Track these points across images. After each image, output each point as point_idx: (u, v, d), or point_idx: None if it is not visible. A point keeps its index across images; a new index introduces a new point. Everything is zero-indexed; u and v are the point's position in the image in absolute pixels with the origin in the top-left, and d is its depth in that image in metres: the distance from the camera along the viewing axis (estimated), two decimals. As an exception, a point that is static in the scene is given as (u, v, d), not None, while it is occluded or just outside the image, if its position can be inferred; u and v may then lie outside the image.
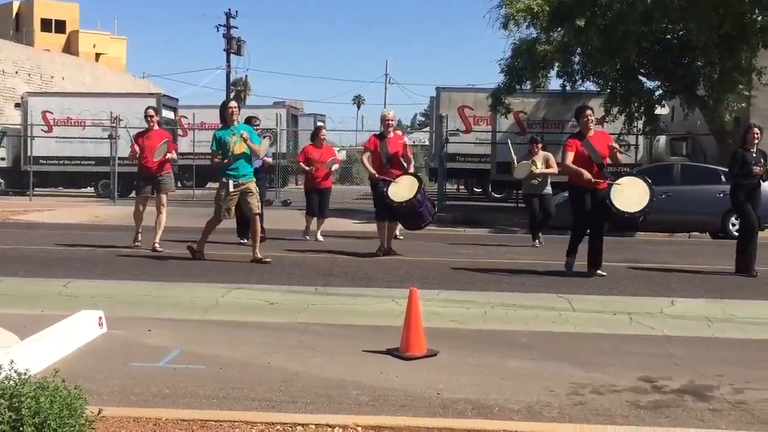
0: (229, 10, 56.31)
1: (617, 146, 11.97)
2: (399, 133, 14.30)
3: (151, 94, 36.62)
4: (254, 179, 12.63)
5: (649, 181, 11.58)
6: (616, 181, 11.54)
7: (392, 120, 13.88)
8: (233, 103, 12.89)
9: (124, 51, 78.54)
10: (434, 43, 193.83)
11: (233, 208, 12.51)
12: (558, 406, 5.77)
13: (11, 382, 3.91)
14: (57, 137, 32.62)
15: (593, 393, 6.11)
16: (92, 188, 33.37)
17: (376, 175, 13.19)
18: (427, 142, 42.48)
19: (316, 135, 16.83)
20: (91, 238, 16.73)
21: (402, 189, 12.79)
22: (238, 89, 68.32)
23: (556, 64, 24.19)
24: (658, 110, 26.92)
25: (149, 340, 7.54)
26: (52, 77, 49.42)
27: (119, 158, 29.66)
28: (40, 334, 6.84)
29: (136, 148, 14.07)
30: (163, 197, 14.22)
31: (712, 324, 8.75)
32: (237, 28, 57.25)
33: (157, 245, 13.76)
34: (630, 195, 11.20)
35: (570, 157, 11.53)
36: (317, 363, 6.84)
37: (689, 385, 6.35)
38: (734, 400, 5.97)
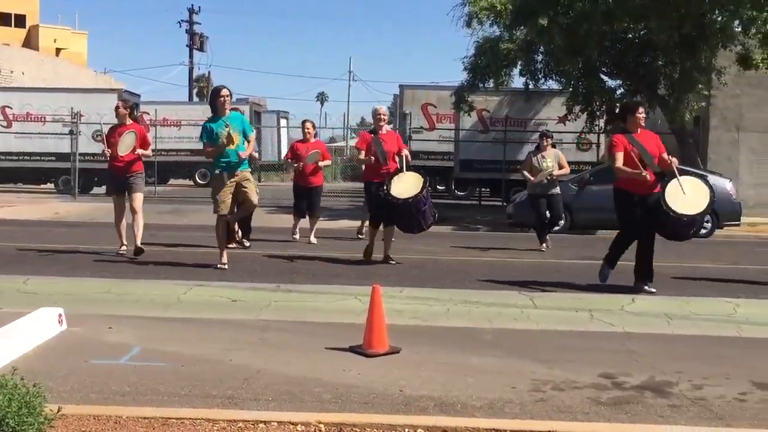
0: (192, 5, 56.18)
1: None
2: (390, 127, 13.45)
3: (112, 90, 36.43)
4: (249, 169, 11.72)
5: (708, 181, 10.74)
6: (672, 181, 10.30)
7: (384, 115, 12.98)
8: (225, 91, 11.45)
9: (85, 46, 77.76)
10: (398, 40, 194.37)
11: (229, 201, 11.35)
12: (520, 403, 5.79)
13: (-32, 380, 3.87)
14: (16, 133, 32.33)
15: (554, 390, 6.13)
16: (52, 184, 33.06)
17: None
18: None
19: (303, 128, 15.95)
20: (51, 234, 16.58)
21: (405, 186, 11.84)
22: (200, 85, 67.92)
23: (519, 62, 24.31)
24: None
25: (110, 337, 7.47)
26: (12, 72, 48.77)
27: (80, 154, 29.49)
28: (-1, 332, 6.76)
29: (107, 151, 12.82)
30: (136, 199, 12.81)
31: (671, 321, 8.83)
32: (200, 23, 57.23)
33: (141, 247, 12.69)
34: (688, 197, 10.13)
35: (620, 158, 10.29)
36: (279, 360, 6.81)
37: (649, 381, 6.40)
38: (693, 396, 6.03)
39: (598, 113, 25.23)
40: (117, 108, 13.11)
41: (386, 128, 12.89)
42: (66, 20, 76.18)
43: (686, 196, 10.08)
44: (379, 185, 12.09)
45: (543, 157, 14.91)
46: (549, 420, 5.36)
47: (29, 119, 32.60)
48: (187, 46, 56.27)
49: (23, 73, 49.38)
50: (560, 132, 28.08)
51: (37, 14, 72.99)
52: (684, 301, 9.89)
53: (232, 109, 11.74)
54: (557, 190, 15.21)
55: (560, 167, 14.96)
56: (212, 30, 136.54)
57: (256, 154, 12.94)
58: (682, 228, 10.39)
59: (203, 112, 39.12)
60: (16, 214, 22.36)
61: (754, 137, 26.05)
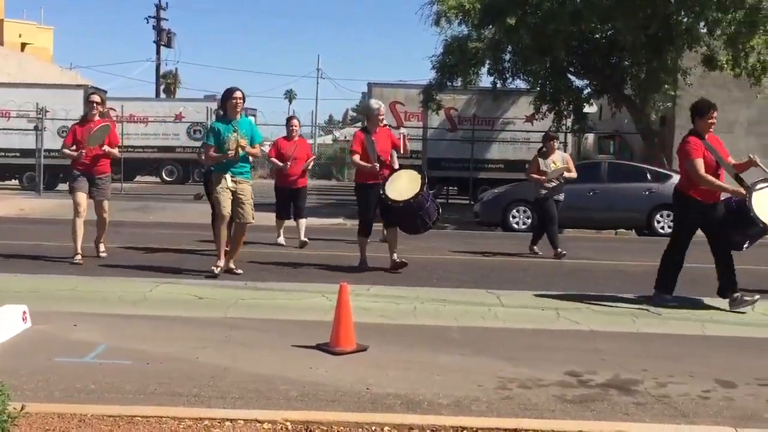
0: (159, 1, 55.72)
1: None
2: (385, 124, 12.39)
3: (78, 86, 36.01)
4: (250, 181, 10.89)
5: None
6: (757, 186, 9.56)
7: (383, 116, 12.03)
8: (239, 93, 10.55)
9: (51, 41, 76.95)
10: (366, 38, 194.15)
11: (229, 205, 10.50)
12: (486, 401, 5.81)
13: (-70, 378, 3.83)
14: (-20, 129, 31.95)
15: (521, 387, 6.16)
16: (17, 181, 32.74)
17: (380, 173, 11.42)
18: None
19: (287, 125, 14.87)
20: (16, 231, 16.42)
21: (402, 185, 11.20)
22: (168, 82, 67.45)
23: (487, 61, 24.39)
24: (587, 109, 27.35)
25: (75, 335, 7.41)
26: (-24, 67, 48.30)
27: (45, 150, 29.24)
28: (-38, 330, 6.68)
29: (69, 152, 11.73)
30: (104, 207, 11.98)
31: (637, 319, 8.90)
32: (167, 20, 56.70)
33: (102, 252, 12.10)
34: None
35: (701, 165, 9.35)
36: (246, 358, 6.79)
37: (614, 379, 6.44)
38: (658, 394, 6.08)
39: (565, 113, 25.38)
40: (94, 102, 11.86)
41: (380, 127, 11.97)
42: (32, 15, 75.62)
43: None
44: (373, 187, 11.42)
45: (552, 161, 13.94)
46: (515, 418, 5.37)
47: (-6, 115, 32.27)
48: (154, 42, 55.85)
49: (-13, 69, 48.83)
50: (528, 131, 28.26)
51: (2, 9, 72.10)
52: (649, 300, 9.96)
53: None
54: (562, 196, 14.29)
55: (568, 171, 14.18)
56: (180, 26, 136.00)
57: (257, 151, 11.44)
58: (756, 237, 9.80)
59: (170, 108, 39.25)
60: (-20, 210, 22.11)
61: (719, 136, 26.25)
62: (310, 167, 15.12)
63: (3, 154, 32.17)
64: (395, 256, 11.59)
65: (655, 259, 12.61)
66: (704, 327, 8.63)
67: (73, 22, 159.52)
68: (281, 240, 14.49)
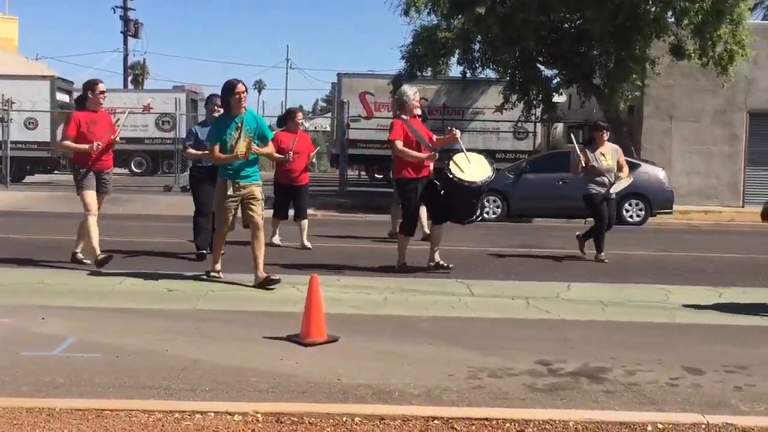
0: (127, -9, 55.32)
1: None
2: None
3: (44, 77, 35.62)
4: (260, 182, 9.72)
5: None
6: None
7: (418, 101, 11.34)
8: (242, 86, 9.44)
9: (16, 31, 76.01)
10: (335, 28, 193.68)
11: (231, 217, 9.58)
12: (457, 390, 5.83)
13: None
14: (-56, 121, 31.56)
15: (491, 377, 6.18)
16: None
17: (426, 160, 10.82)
18: (328, 128, 42.50)
19: (288, 118, 13.23)
20: (-18, 224, 16.24)
21: (469, 168, 10.41)
22: (135, 73, 66.96)
23: (457, 51, 24.38)
24: (556, 98, 27.44)
25: (42, 328, 7.35)
26: (-61, 58, 47.74)
27: (12, 142, 28.99)
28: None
29: (78, 146, 10.36)
30: (102, 199, 10.88)
31: (606, 308, 8.96)
32: (134, 9, 56.33)
33: (80, 255, 10.85)
34: None
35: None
36: (216, 350, 6.77)
37: (584, 367, 6.48)
38: (626, 382, 6.12)
39: (534, 102, 25.46)
40: (99, 90, 10.52)
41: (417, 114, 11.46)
42: (-5, 5, 74.67)
43: None
44: (419, 181, 10.69)
45: (601, 153, 12.38)
46: (486, 407, 5.40)
47: (-43, 107, 31.87)
48: (121, 32, 55.46)
49: (-50, 59, 48.28)
50: (497, 121, 28.33)
51: (-35, -2, 71.42)
52: (618, 288, 10.05)
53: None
54: (614, 194, 12.71)
55: (620, 167, 12.54)
56: (147, 16, 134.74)
57: (271, 149, 10.35)
58: None
59: (138, 99, 39.02)
60: (-55, 203, 21.88)
61: (687, 126, 26.48)
62: (313, 161, 14.16)
63: (-33, 146, 31.80)
64: (437, 255, 10.94)
65: (623, 248, 12.74)
66: (672, 315, 8.70)
67: (39, 12, 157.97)
68: (277, 239, 13.25)
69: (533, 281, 10.47)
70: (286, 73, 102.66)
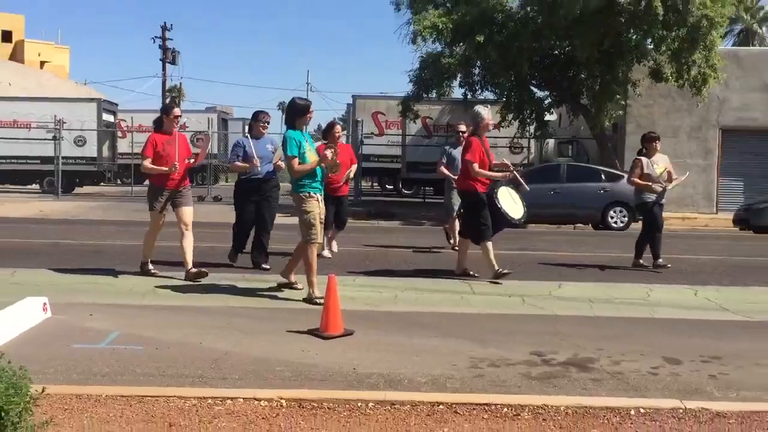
0: (165, 23, 55.60)
1: None
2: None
3: (91, 99, 35.88)
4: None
5: None
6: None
7: (491, 122, 10.97)
8: (312, 107, 8.83)
9: (68, 59, 76.73)
10: (351, 55, 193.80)
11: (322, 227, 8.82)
12: (460, 379, 5.82)
13: (-41, 364, 3.80)
14: (3, 138, 31.77)
15: (491, 366, 6.17)
16: (37, 185, 32.56)
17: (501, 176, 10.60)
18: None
19: (328, 132, 11.64)
20: (37, 231, 16.32)
21: (511, 203, 10.51)
22: (173, 95, 67.19)
23: (459, 75, 24.44)
24: (547, 117, 27.44)
25: (91, 323, 7.37)
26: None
27: (62, 158, 29.14)
28: (-12, 320, 6.64)
29: (158, 168, 9.76)
30: (187, 213, 9.99)
31: (593, 304, 8.93)
32: (172, 39, 56.53)
33: (193, 271, 9.84)
34: None
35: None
36: (245, 343, 6.77)
37: (573, 358, 6.46)
38: (612, 371, 6.10)
39: (528, 120, 25.45)
40: (174, 115, 9.96)
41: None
42: (49, 36, 75.16)
43: None
44: (484, 195, 10.29)
45: (655, 162, 11.67)
46: (486, 393, 5.39)
47: (15, 126, 32.07)
48: (160, 60, 55.61)
49: (9, 84, 48.61)
50: (496, 137, 28.29)
51: (23, 30, 71.93)
52: (604, 287, 10.02)
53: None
54: (665, 200, 11.93)
55: (670, 176, 11.74)
56: (183, 45, 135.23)
57: (282, 164, 9.88)
58: None
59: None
60: (4, 212, 21.95)
61: (665, 142, 26.17)
62: (352, 175, 12.95)
63: (24, 161, 31.99)
64: (465, 263, 10.56)
65: (608, 251, 12.69)
66: (653, 311, 8.67)
67: (88, 42, 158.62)
68: (326, 252, 12.10)
69: (528, 281, 10.44)
70: (307, 95, 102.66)
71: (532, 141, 29.06)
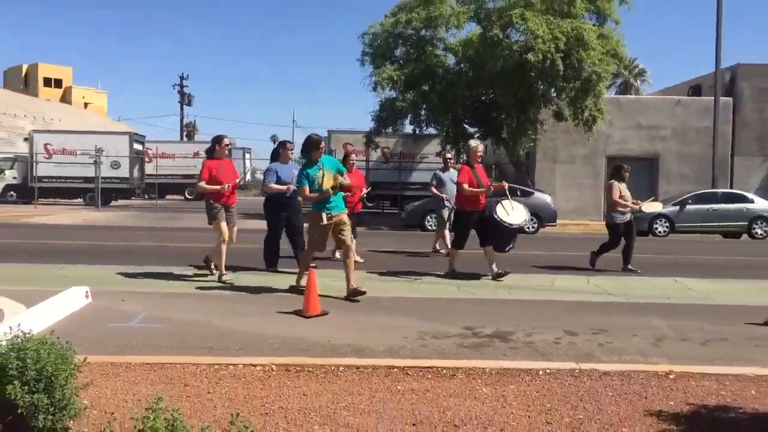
0: (183, 73, 55.38)
1: None
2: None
3: (125, 133, 35.43)
4: (345, 210, 8.36)
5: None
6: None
7: (481, 152, 10.41)
8: (323, 142, 8.32)
9: (106, 101, 75.82)
10: (327, 99, 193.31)
11: (325, 241, 8.39)
12: (410, 348, 5.83)
13: (19, 339, 3.73)
14: (55, 162, 31.47)
15: (433, 338, 6.19)
16: (81, 199, 32.13)
17: (478, 190, 9.87)
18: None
19: (345, 160, 11.38)
20: (81, 234, 16.04)
21: (515, 214, 9.74)
22: (189, 130, 66.56)
23: (409, 115, 24.49)
24: (474, 142, 27.60)
25: (123, 307, 7.26)
26: (51, 119, 47.30)
27: (102, 178, 28.93)
28: (41, 305, 6.51)
29: (212, 188, 9.07)
30: (233, 231, 9.36)
31: (511, 290, 8.99)
32: (188, 86, 56.06)
33: (225, 276, 9.20)
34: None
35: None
36: (245, 321, 6.72)
37: (496, 331, 6.50)
38: (525, 341, 6.15)
39: (462, 150, 25.60)
40: (224, 144, 9.36)
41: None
42: (92, 82, 74.36)
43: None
44: (473, 213, 9.85)
45: (626, 188, 11.17)
46: (429, 359, 5.40)
47: (64, 153, 31.74)
48: (178, 102, 55.19)
49: (60, 120, 47.89)
50: (438, 163, 28.40)
51: (71, 79, 71.10)
52: (521, 277, 10.08)
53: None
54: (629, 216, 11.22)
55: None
56: (197, 89, 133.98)
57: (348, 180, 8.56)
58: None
59: (191, 148, 38.81)
60: (55, 220, 21.56)
61: (565, 167, 26.79)
62: (364, 195, 12.39)
63: (71, 180, 31.65)
64: (494, 266, 9.87)
65: (523, 250, 12.73)
66: (557, 295, 8.75)
67: (122, 87, 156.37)
68: (358, 258, 10.83)
69: (462, 272, 10.47)
70: (293, 130, 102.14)
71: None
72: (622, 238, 11.00)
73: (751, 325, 7.00)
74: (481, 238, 9.91)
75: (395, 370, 5.04)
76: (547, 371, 5.08)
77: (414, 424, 3.97)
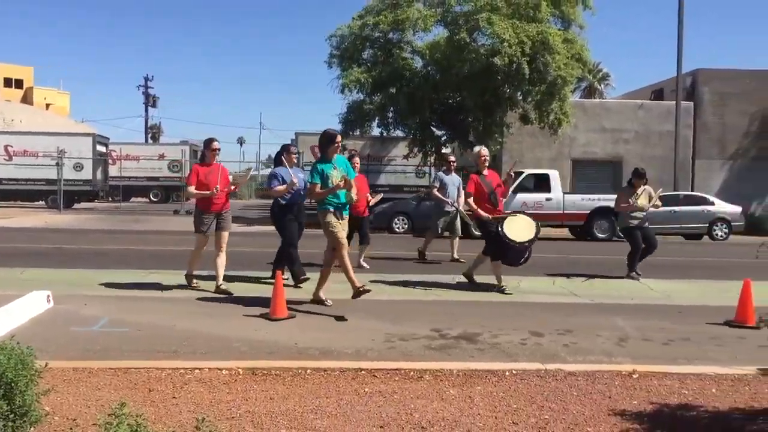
0: (147, 74, 54.63)
1: None
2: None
3: (87, 134, 34.87)
4: (347, 216, 7.82)
5: None
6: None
7: (487, 156, 9.61)
8: (340, 138, 7.84)
9: (68, 102, 74.50)
10: (295, 100, 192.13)
11: (345, 234, 7.73)
12: (377, 350, 5.82)
13: (-23, 345, 3.63)
14: (16, 164, 30.89)
15: (401, 340, 6.19)
16: (43, 201, 31.54)
17: (489, 217, 9.14)
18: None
19: (350, 162, 10.07)
20: (43, 237, 15.73)
21: (519, 229, 9.02)
22: (153, 131, 65.70)
23: (377, 117, 24.50)
24: (444, 150, 27.70)
25: (86, 311, 7.13)
26: (12, 120, 46.30)
27: (63, 180, 28.45)
28: (0, 309, 6.35)
29: (201, 192, 8.45)
30: (225, 237, 8.70)
31: (478, 293, 9.02)
32: (153, 87, 55.36)
33: (222, 286, 8.55)
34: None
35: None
36: (211, 324, 6.64)
37: (464, 333, 6.53)
38: (492, 342, 6.18)
39: (429, 152, 25.71)
40: (213, 147, 8.71)
41: (487, 169, 9.58)
42: (54, 83, 73.18)
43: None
44: (493, 224, 9.16)
45: (636, 194, 10.71)
46: (396, 361, 5.40)
47: (26, 155, 31.18)
48: (143, 103, 54.46)
49: (21, 121, 46.95)
50: (405, 165, 28.49)
51: (32, 79, 69.79)
52: (488, 279, 10.10)
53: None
54: (647, 223, 10.89)
55: (650, 199, 10.77)
56: (162, 91, 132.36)
57: (354, 196, 7.87)
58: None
59: (155, 150, 38.39)
60: (16, 223, 21.10)
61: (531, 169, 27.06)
62: (371, 200, 11.19)
63: (33, 182, 31.11)
64: (501, 280, 9.31)
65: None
66: (523, 296, 8.82)
67: (85, 88, 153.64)
68: (365, 264, 11.21)
69: (430, 274, 10.51)
70: (260, 132, 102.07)
71: (433, 168, 29.36)
72: (636, 240, 10.65)
73: (711, 324, 7.14)
74: (491, 253, 9.33)
75: (363, 372, 5.02)
76: (514, 372, 5.11)
77: (381, 427, 3.97)
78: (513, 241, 8.88)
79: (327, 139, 7.64)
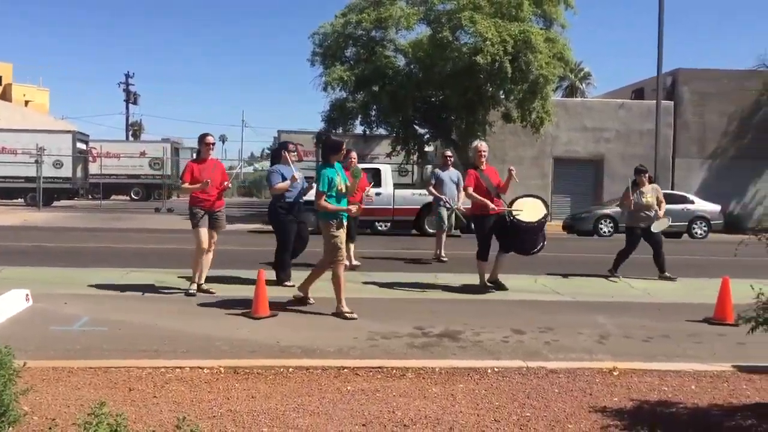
0: (128, 71, 54.19)
1: None
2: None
3: (67, 131, 34.51)
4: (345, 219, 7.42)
5: None
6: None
7: (485, 151, 9.43)
8: (344, 145, 7.57)
9: (48, 99, 73.65)
10: (276, 98, 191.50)
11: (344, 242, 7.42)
12: (360, 348, 5.82)
13: (-46, 345, 3.58)
14: (-6, 161, 30.50)
15: (383, 338, 6.19)
16: (22, 199, 31.16)
17: (496, 208, 8.91)
18: (271, 168, 41.96)
19: (346, 158, 9.22)
20: (22, 235, 15.54)
21: (528, 209, 8.88)
22: (134, 129, 65.17)
23: (360, 115, 24.49)
24: (426, 148, 27.77)
25: (65, 310, 7.06)
26: (-10, 117, 45.76)
27: (43, 177, 28.14)
28: (-21, 308, 6.28)
29: (193, 186, 8.12)
30: (215, 235, 8.42)
31: (460, 293, 9.03)
32: (134, 84, 54.94)
33: (204, 285, 8.39)
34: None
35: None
36: (192, 323, 6.61)
37: (446, 331, 6.54)
38: (474, 340, 6.20)
39: (412, 151, 25.74)
40: (207, 141, 8.33)
41: (486, 164, 9.41)
42: (33, 80, 72.29)
43: None
44: (487, 218, 8.94)
45: (642, 192, 10.49)
46: (379, 359, 5.40)
47: (4, 152, 30.76)
48: (124, 101, 54.04)
49: (-1, 118, 46.36)
50: (388, 163, 28.49)
51: (11, 76, 68.89)
52: (471, 277, 10.11)
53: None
54: (653, 225, 10.48)
55: (659, 202, 10.55)
56: (143, 88, 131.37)
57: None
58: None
59: (136, 148, 38.11)
60: (-6, 221, 20.85)
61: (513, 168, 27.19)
62: (368, 194, 11.35)
63: (11, 180, 30.70)
64: (499, 276, 9.25)
65: (465, 250, 12.83)
66: (506, 294, 8.84)
67: (65, 85, 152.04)
68: (356, 262, 10.84)
69: (411, 272, 10.52)
70: (242, 130, 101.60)
71: (415, 166, 29.39)
72: (634, 243, 10.60)
73: (691, 322, 7.21)
74: (502, 244, 9.11)
75: (345, 370, 5.02)
76: (496, 369, 5.13)
77: (364, 425, 3.96)
78: (529, 222, 8.70)
79: (332, 148, 7.35)
